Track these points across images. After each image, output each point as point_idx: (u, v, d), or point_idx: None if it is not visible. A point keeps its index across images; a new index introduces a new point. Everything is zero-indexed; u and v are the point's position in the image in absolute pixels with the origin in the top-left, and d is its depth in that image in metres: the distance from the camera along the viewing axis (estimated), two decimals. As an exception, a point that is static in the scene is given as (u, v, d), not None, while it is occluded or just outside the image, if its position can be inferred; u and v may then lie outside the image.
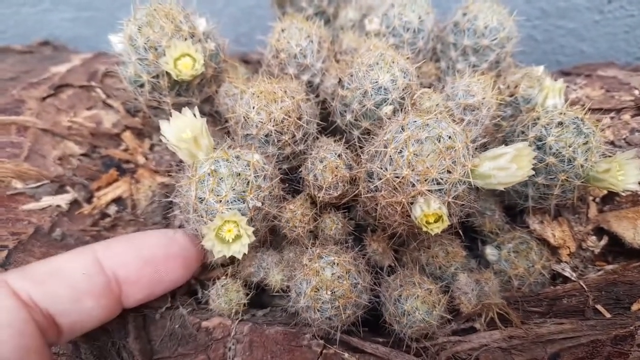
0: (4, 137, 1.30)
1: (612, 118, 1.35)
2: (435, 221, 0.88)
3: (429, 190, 0.88)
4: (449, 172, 0.88)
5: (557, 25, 2.05)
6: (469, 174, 0.90)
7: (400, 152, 0.90)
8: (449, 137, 0.90)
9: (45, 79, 1.46)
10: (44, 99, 1.38)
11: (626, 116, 1.35)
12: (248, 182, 0.93)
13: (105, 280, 0.96)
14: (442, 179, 0.88)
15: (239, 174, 0.93)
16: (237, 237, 0.90)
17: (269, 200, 0.98)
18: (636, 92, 1.41)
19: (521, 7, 2.00)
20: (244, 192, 0.92)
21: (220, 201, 0.91)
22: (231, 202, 0.92)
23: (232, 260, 1.07)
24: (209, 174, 0.92)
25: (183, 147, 0.93)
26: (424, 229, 0.89)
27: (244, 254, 0.89)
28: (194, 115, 0.95)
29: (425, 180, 0.88)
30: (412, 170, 0.89)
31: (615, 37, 2.04)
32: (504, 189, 0.91)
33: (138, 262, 1.00)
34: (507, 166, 0.87)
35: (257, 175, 0.94)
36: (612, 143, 1.30)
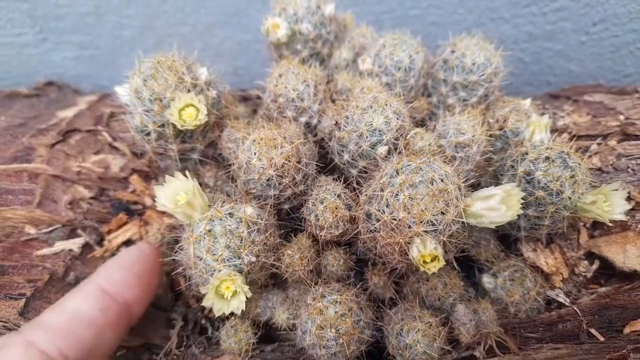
0: (17, 184, 1.36)
1: (599, 144, 1.41)
2: (432, 260, 0.94)
3: (424, 231, 0.94)
4: (442, 213, 0.94)
5: (545, 47, 2.11)
6: (461, 214, 0.95)
7: (396, 195, 0.96)
8: (441, 180, 0.95)
9: (53, 124, 1.51)
10: (53, 145, 1.44)
11: (612, 142, 1.41)
12: (241, 238, 0.98)
13: (118, 309, 1.02)
14: (436, 220, 0.94)
15: (232, 232, 0.99)
16: (235, 292, 0.95)
17: (264, 252, 1.03)
18: (621, 117, 1.47)
19: (509, 31, 2.06)
20: (238, 248, 0.98)
21: (217, 259, 0.96)
22: (227, 260, 0.97)
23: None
24: (204, 235, 0.98)
25: (178, 211, 0.98)
26: (422, 268, 0.94)
27: (242, 311, 0.95)
28: (186, 176, 1.01)
29: (421, 222, 0.93)
30: (408, 213, 0.94)
31: (602, 57, 2.11)
32: (495, 227, 0.97)
33: (135, 280, 1.09)
34: (497, 207, 0.93)
35: (250, 231, 1.01)
36: (599, 169, 1.35)
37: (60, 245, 1.31)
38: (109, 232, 1.34)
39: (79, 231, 1.35)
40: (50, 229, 1.34)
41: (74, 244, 1.31)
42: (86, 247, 1.33)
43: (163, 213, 1.35)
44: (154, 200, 1.37)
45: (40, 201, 1.34)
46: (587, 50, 2.10)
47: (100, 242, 1.34)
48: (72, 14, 2.07)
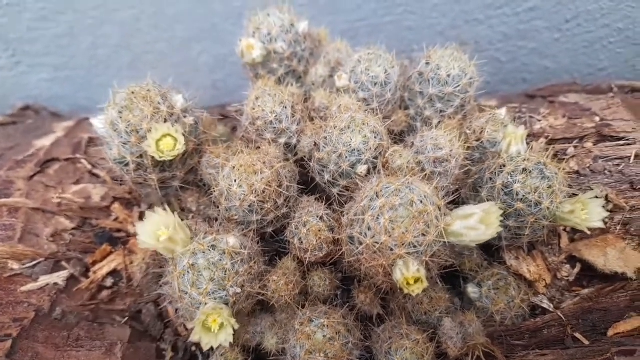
0: (-3, 220, 1.35)
1: (575, 147, 1.43)
2: (415, 282, 0.95)
3: (407, 253, 0.95)
4: (423, 235, 0.95)
5: (519, 46, 2.13)
6: (442, 234, 0.96)
7: (377, 219, 0.97)
8: (421, 201, 0.96)
9: (30, 155, 1.50)
10: (31, 177, 1.43)
11: (589, 144, 1.43)
12: (226, 270, 0.99)
13: None
14: (417, 242, 0.95)
15: (215, 265, 0.99)
16: (222, 325, 0.95)
17: (249, 282, 1.04)
18: (597, 118, 1.49)
19: (484, 32, 2.08)
20: (223, 280, 0.98)
21: (202, 293, 0.96)
22: (213, 293, 0.98)
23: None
24: (188, 269, 0.98)
25: (161, 247, 0.99)
26: (405, 290, 0.95)
27: (230, 343, 0.95)
28: (165, 210, 1.00)
29: (403, 244, 0.94)
30: (390, 236, 0.95)
31: (576, 52, 2.13)
32: (476, 245, 0.98)
33: None
34: (477, 227, 0.94)
35: (234, 262, 1.01)
36: (577, 173, 1.37)
37: (44, 280, 1.30)
38: (94, 263, 1.33)
39: (63, 263, 1.34)
40: (34, 263, 1.32)
41: (59, 278, 1.31)
42: (71, 279, 1.32)
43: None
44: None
45: (21, 236, 1.33)
46: (561, 46, 2.12)
47: (85, 274, 1.34)
48: (45, 36, 2.04)
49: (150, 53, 2.13)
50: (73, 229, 1.39)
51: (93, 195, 1.41)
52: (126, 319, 1.28)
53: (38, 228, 1.36)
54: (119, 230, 1.40)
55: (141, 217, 1.41)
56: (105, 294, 1.30)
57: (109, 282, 1.32)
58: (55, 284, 1.30)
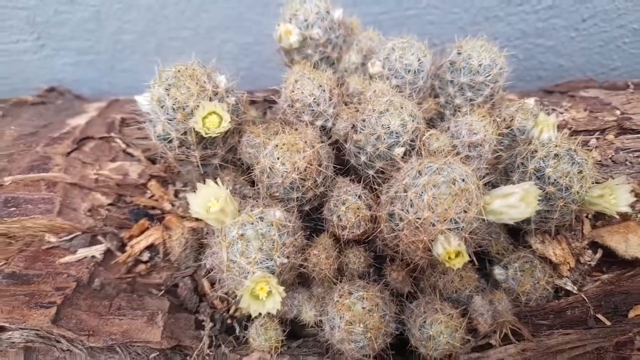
0: (35, 193, 1.38)
1: (597, 139, 1.48)
2: (456, 256, 0.99)
3: (448, 229, 0.99)
4: (465, 211, 0.99)
5: (536, 44, 2.19)
6: (482, 212, 1.01)
7: (420, 195, 1.01)
8: (463, 180, 1.00)
9: (66, 133, 1.53)
10: (68, 153, 1.46)
11: (610, 136, 1.48)
12: (273, 241, 1.03)
13: None
14: (459, 218, 0.99)
15: (264, 235, 1.03)
16: (270, 293, 0.99)
17: (294, 253, 1.09)
18: (617, 112, 1.54)
19: (503, 29, 2.13)
20: (271, 250, 1.02)
21: (250, 262, 1.00)
22: (260, 262, 1.02)
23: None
24: (237, 239, 1.02)
25: (212, 218, 1.02)
26: (447, 264, 0.99)
27: (278, 310, 0.99)
28: (217, 184, 1.04)
29: (445, 220, 0.99)
30: (432, 212, 0.99)
31: (591, 52, 2.19)
32: (512, 223, 1.03)
33: None
34: (517, 204, 0.99)
35: (281, 234, 1.05)
36: (599, 163, 1.42)
37: (82, 253, 1.33)
38: (131, 237, 1.36)
39: (100, 238, 1.37)
40: (71, 236, 1.36)
41: (96, 251, 1.34)
42: (108, 253, 1.36)
43: (183, 217, 1.39)
44: (173, 205, 1.41)
45: (60, 209, 1.36)
46: (577, 45, 2.18)
47: (121, 248, 1.37)
48: (72, 20, 2.07)
49: (174, 40, 2.16)
50: (109, 204, 1.42)
51: (130, 172, 1.45)
52: (162, 292, 1.32)
53: (75, 203, 1.40)
54: (153, 208, 1.44)
55: (176, 194, 1.45)
56: (141, 267, 1.34)
57: (146, 256, 1.35)
58: (93, 256, 1.33)
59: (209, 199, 1.05)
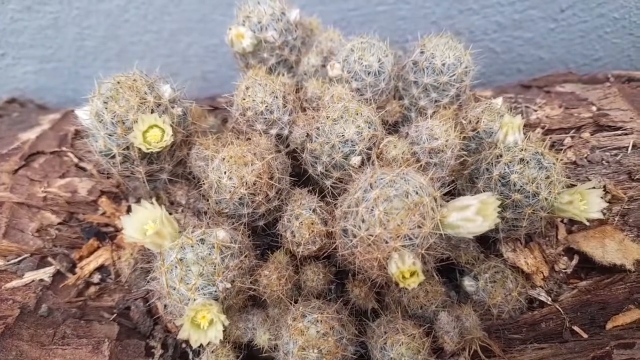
0: (-20, 215, 1.31)
1: (572, 137, 1.40)
2: (411, 275, 0.92)
3: (402, 246, 0.92)
4: (419, 227, 0.92)
5: (514, 36, 2.11)
6: (438, 226, 0.93)
7: (372, 210, 0.93)
8: (416, 192, 0.93)
9: (15, 148, 1.46)
10: (16, 171, 1.38)
11: (586, 134, 1.40)
12: (215, 265, 0.96)
13: None
14: (413, 234, 0.92)
15: (204, 259, 0.96)
16: (212, 322, 0.92)
17: (240, 277, 1.01)
18: (593, 108, 1.47)
19: (478, 22, 2.05)
20: (212, 275, 0.95)
21: (190, 289, 0.93)
22: (202, 288, 0.95)
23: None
24: (176, 264, 0.95)
25: (147, 242, 0.95)
26: (401, 284, 0.92)
27: (220, 340, 0.92)
28: (152, 204, 0.97)
29: (398, 237, 0.91)
30: (384, 228, 0.92)
31: (571, 42, 2.11)
32: (473, 237, 0.96)
33: None
34: (474, 218, 0.91)
35: (224, 256, 0.98)
36: (574, 163, 1.35)
37: (30, 276, 1.26)
38: (80, 258, 1.29)
39: (49, 259, 1.30)
40: (19, 259, 1.29)
41: (45, 274, 1.27)
42: (57, 275, 1.28)
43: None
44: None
45: (6, 231, 1.29)
46: (557, 36, 2.10)
47: (72, 270, 1.30)
48: (30, 28, 1.99)
49: (138, 44, 2.08)
50: (59, 223, 1.35)
51: (79, 189, 1.37)
52: (114, 315, 1.25)
53: (23, 223, 1.32)
54: (106, 225, 1.36)
55: (129, 210, 1.37)
56: (92, 290, 1.27)
57: (96, 278, 1.28)
58: (41, 280, 1.26)
59: (146, 221, 0.97)
